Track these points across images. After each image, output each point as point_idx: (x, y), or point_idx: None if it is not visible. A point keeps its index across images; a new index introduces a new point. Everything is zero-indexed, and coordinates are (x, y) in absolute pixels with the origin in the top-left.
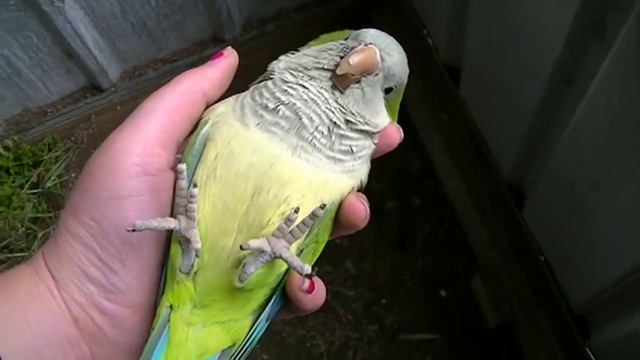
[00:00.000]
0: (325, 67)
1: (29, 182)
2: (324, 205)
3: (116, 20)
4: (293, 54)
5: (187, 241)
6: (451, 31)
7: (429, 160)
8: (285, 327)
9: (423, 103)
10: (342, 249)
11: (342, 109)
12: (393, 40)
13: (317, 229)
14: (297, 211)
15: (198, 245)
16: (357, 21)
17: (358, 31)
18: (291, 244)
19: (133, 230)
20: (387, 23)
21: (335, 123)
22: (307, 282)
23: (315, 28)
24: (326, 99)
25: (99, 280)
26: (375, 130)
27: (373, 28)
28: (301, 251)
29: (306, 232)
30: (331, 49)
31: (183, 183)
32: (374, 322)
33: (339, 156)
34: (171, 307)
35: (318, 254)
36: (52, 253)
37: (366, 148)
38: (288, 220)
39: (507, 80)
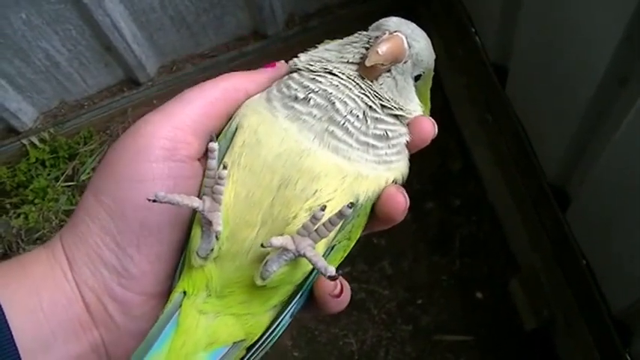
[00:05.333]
0: (350, 60)
1: (64, 175)
2: (352, 203)
3: (155, 14)
4: (312, 50)
5: (209, 223)
6: (500, 28)
7: (471, 160)
8: (318, 325)
9: (468, 101)
10: (380, 248)
11: (376, 94)
12: (416, 26)
13: (350, 226)
14: (323, 208)
15: (220, 228)
16: (403, 18)
17: (379, 20)
18: (316, 242)
19: (154, 201)
20: (435, 20)
21: (370, 107)
22: (339, 287)
23: (360, 24)
24: (357, 83)
25: (113, 264)
26: (410, 116)
27: (414, 22)
28: (332, 247)
29: (335, 231)
30: (355, 42)
31: (213, 163)
32: (408, 322)
33: (372, 141)
34: (184, 293)
35: (348, 251)
36: (69, 234)
37: (402, 135)
38: (314, 218)
39: (557, 79)
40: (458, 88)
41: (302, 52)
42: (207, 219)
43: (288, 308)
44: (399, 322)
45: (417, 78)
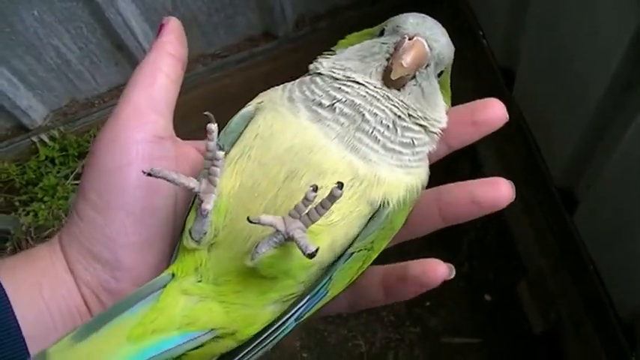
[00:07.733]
0: (373, 73)
1: (74, 173)
2: (341, 184)
3: (167, 13)
4: (331, 56)
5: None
6: (507, 32)
7: (479, 164)
8: (327, 326)
9: None
10: (388, 251)
11: (404, 103)
12: (432, 20)
13: (373, 236)
14: (315, 189)
15: (209, 206)
16: None
17: (394, 20)
18: (307, 226)
19: (149, 174)
20: (442, 23)
21: (399, 116)
22: (454, 271)
23: (369, 26)
24: (385, 94)
25: (105, 258)
26: (433, 130)
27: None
28: (351, 254)
29: (346, 235)
30: (375, 53)
31: (211, 144)
32: (417, 324)
33: (398, 148)
34: (173, 275)
35: (369, 262)
36: (65, 235)
37: (426, 144)
38: (306, 200)
39: (565, 83)
40: (465, 91)
41: (312, 53)
42: (201, 200)
43: (294, 310)
44: (408, 325)
45: (439, 74)
